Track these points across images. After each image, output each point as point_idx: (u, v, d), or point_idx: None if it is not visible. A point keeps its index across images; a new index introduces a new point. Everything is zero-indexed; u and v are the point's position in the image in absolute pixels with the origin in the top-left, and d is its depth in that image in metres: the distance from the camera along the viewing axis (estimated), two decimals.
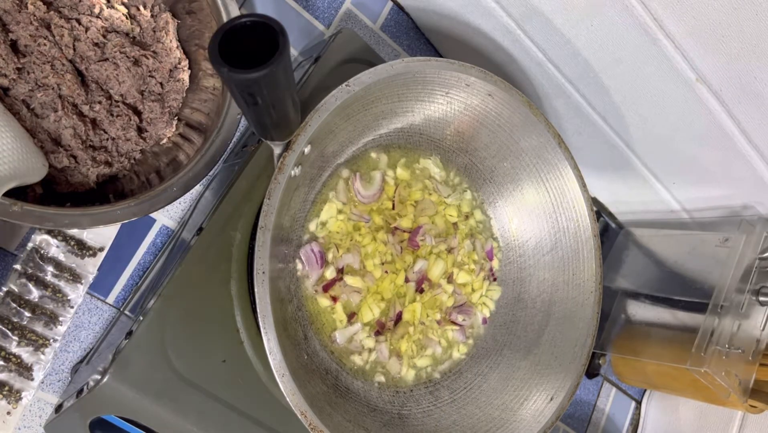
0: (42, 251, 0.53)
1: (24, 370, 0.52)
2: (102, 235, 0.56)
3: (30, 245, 0.53)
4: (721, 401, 0.77)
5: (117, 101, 0.52)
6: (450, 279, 0.58)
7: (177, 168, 0.50)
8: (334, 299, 0.52)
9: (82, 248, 0.55)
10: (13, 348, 0.52)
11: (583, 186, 0.57)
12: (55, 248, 0.54)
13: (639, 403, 0.95)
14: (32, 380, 0.52)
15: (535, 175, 0.58)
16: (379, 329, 0.54)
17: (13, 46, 0.47)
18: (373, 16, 0.73)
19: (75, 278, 0.55)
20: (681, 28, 0.52)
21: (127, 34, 0.53)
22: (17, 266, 0.53)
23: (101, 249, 0.56)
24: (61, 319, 0.54)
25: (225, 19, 0.51)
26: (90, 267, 0.55)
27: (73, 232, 0.55)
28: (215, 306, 0.48)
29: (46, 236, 0.53)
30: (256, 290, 0.41)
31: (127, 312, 0.56)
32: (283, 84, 0.33)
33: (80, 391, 0.47)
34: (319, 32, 0.70)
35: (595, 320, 0.56)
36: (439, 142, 0.58)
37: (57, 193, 0.49)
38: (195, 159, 0.49)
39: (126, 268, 0.59)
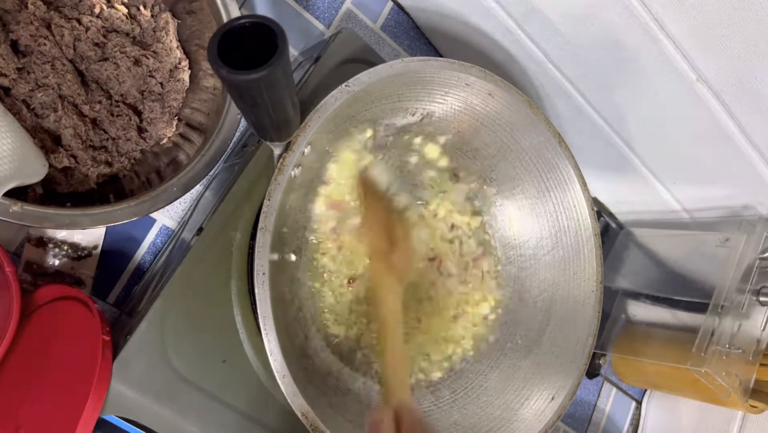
0: (35, 265, 0.53)
1: None
2: (92, 234, 0.56)
3: (23, 259, 0.53)
4: (721, 401, 0.77)
5: (117, 101, 0.52)
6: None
7: (177, 168, 0.50)
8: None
9: (76, 250, 0.55)
10: None
11: (584, 185, 0.57)
12: (50, 256, 0.54)
13: (639, 403, 0.95)
14: None
15: (536, 174, 0.58)
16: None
17: (14, 46, 0.47)
18: (373, 16, 0.73)
19: (76, 282, 0.55)
20: (681, 28, 0.52)
21: (127, 34, 0.53)
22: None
23: (95, 247, 0.56)
24: None
25: (225, 19, 0.51)
26: (87, 268, 0.55)
27: (63, 236, 0.54)
28: (215, 306, 0.48)
29: (36, 248, 0.53)
30: (256, 290, 0.41)
31: (127, 312, 0.56)
32: (283, 85, 0.33)
33: None
34: (319, 32, 0.70)
35: (596, 320, 0.56)
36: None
37: (57, 193, 0.49)
38: (195, 159, 0.49)
39: (126, 268, 0.58)
